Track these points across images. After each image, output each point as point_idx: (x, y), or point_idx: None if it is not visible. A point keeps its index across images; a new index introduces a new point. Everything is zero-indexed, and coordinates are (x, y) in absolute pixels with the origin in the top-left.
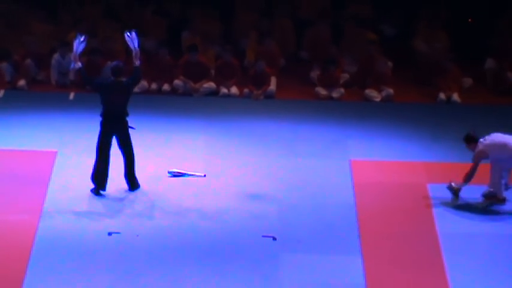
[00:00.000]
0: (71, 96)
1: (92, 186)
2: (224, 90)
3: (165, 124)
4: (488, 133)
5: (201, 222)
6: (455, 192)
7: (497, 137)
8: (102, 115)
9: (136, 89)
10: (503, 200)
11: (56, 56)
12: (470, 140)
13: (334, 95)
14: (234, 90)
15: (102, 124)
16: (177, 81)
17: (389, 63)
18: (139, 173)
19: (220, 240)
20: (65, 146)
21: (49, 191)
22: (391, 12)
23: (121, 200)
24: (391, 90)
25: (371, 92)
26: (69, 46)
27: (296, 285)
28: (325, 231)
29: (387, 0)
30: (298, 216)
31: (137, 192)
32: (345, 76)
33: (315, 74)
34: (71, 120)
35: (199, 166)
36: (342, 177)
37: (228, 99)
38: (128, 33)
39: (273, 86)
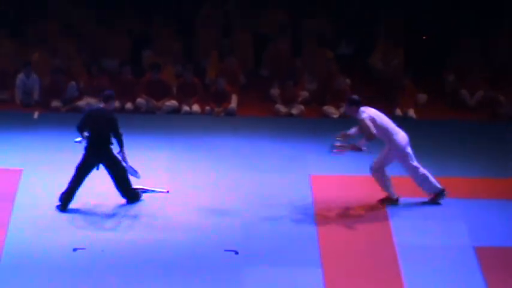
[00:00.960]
0: (35, 115)
1: (58, 203)
2: (186, 107)
3: (128, 141)
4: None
5: (165, 236)
6: (357, 149)
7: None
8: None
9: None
10: (397, 201)
11: (21, 76)
12: (354, 102)
13: (294, 111)
14: (196, 107)
15: (86, 149)
16: (139, 100)
17: (348, 81)
18: (101, 188)
19: (183, 254)
20: (30, 164)
21: (14, 208)
22: (348, 30)
23: (86, 216)
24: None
25: (329, 109)
26: (33, 66)
27: None
28: (287, 244)
29: (345, 18)
30: (260, 230)
31: (101, 208)
32: (305, 94)
33: (275, 91)
34: (36, 139)
35: (162, 182)
36: (302, 191)
37: (190, 117)
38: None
39: (233, 103)
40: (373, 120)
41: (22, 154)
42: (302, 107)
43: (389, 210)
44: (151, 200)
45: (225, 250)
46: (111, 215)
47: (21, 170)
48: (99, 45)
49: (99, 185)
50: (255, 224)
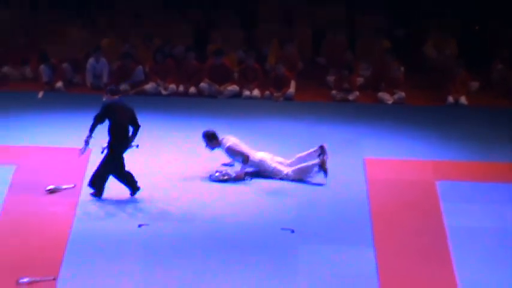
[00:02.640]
0: (105, 97)
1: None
2: (247, 92)
3: (191, 124)
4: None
5: (224, 214)
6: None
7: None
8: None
9: (164, 92)
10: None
11: (91, 60)
12: (212, 138)
13: (350, 97)
14: (256, 92)
15: (110, 142)
16: (202, 84)
17: (402, 68)
18: (171, 170)
19: (241, 232)
20: (99, 143)
21: (83, 185)
22: (403, 19)
23: (150, 195)
24: (403, 93)
25: (384, 95)
26: (102, 51)
27: (312, 274)
28: (340, 224)
29: (400, 9)
30: (315, 210)
31: (167, 188)
32: (360, 80)
33: (331, 78)
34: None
35: (223, 162)
36: (356, 174)
37: (250, 101)
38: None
39: (292, 88)
40: (237, 145)
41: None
42: (357, 93)
43: (440, 193)
44: (211, 182)
45: (282, 228)
46: (174, 195)
47: (90, 150)
48: (165, 32)
49: (165, 166)
50: (311, 204)
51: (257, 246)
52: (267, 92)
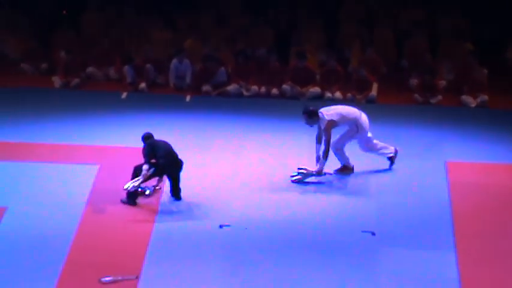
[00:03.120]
0: (188, 98)
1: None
2: (328, 94)
3: (273, 126)
4: None
5: (304, 216)
6: (305, 175)
7: (338, 108)
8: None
9: (246, 93)
10: (351, 169)
11: (174, 61)
12: (313, 114)
13: (432, 100)
14: (338, 94)
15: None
16: (285, 86)
17: (485, 72)
18: (252, 171)
19: (322, 234)
20: (180, 145)
21: (165, 184)
22: (486, 22)
23: (230, 196)
24: (486, 97)
25: (467, 98)
26: (185, 52)
27: (393, 278)
28: (421, 227)
29: (483, 11)
30: (396, 213)
31: (246, 189)
32: (443, 83)
33: (413, 81)
34: (188, 120)
35: (304, 163)
36: (438, 177)
37: (332, 103)
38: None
39: (374, 91)
40: (333, 125)
41: (174, 134)
42: (440, 96)
43: None
44: (292, 183)
45: (363, 231)
46: (253, 196)
47: None
48: (247, 34)
49: (246, 168)
50: (392, 207)
51: (338, 248)
52: (349, 94)
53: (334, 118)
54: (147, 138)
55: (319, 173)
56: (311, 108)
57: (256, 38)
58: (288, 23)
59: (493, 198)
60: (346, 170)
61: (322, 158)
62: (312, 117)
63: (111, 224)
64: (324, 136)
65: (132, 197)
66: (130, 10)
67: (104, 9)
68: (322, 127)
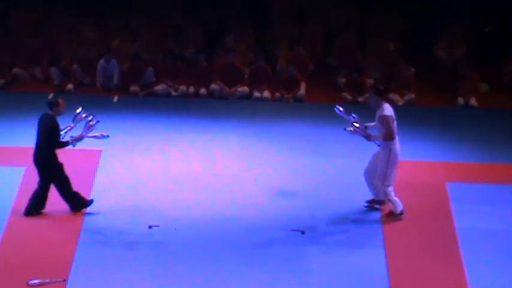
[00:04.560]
0: (115, 99)
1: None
2: (257, 94)
3: (201, 126)
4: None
5: (234, 216)
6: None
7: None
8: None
9: (175, 93)
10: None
11: (102, 62)
12: (378, 93)
13: (360, 99)
14: (266, 93)
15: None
16: (213, 86)
17: (412, 70)
18: (181, 171)
19: (252, 233)
20: (109, 146)
21: (94, 186)
22: (413, 20)
23: (159, 196)
24: (413, 95)
25: (394, 97)
26: (113, 52)
27: (323, 275)
28: (351, 225)
29: (410, 10)
30: (326, 212)
31: (174, 189)
32: (370, 81)
33: (341, 79)
34: (115, 121)
35: (232, 164)
36: (360, 175)
37: (260, 102)
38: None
39: (302, 90)
40: (394, 121)
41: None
42: (367, 94)
43: (450, 195)
44: (221, 180)
45: (292, 230)
46: (182, 196)
47: (100, 151)
48: (176, 34)
49: (174, 168)
50: (321, 206)
51: (267, 247)
52: (278, 94)
53: (394, 117)
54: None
55: (368, 137)
56: (380, 87)
57: (186, 37)
58: (219, 23)
59: (420, 194)
60: (374, 203)
61: (383, 138)
62: (376, 95)
63: (38, 227)
64: (382, 128)
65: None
66: (60, 9)
67: (32, 8)
68: (379, 118)
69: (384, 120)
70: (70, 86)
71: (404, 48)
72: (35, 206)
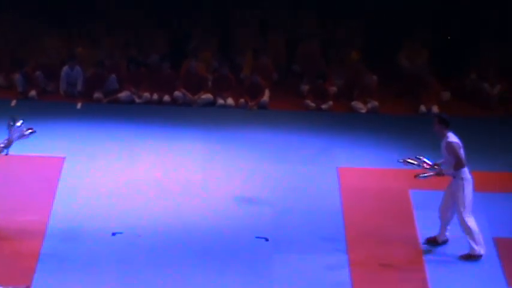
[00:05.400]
0: (79, 105)
1: None
2: (221, 101)
3: (165, 133)
4: (465, 142)
5: (198, 223)
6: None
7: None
8: None
9: (138, 100)
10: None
11: (65, 68)
12: (443, 123)
13: (323, 106)
14: (230, 101)
15: None
16: (177, 93)
17: (375, 77)
18: (146, 179)
19: (216, 240)
20: (72, 152)
21: (57, 193)
22: (376, 28)
23: (123, 203)
24: (376, 103)
25: (357, 104)
26: (77, 59)
27: (286, 282)
28: (315, 232)
29: (372, 19)
30: (289, 219)
31: (138, 196)
32: (333, 89)
33: (305, 87)
34: (79, 128)
35: (196, 172)
36: (329, 183)
37: (224, 110)
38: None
39: (266, 97)
40: (461, 148)
41: (65, 142)
42: (331, 102)
43: (413, 202)
44: (185, 188)
45: (256, 237)
46: (145, 203)
47: (63, 158)
48: (140, 41)
49: (140, 175)
50: (286, 213)
51: (231, 254)
52: (242, 100)
53: (460, 144)
54: None
55: (439, 173)
56: (445, 116)
57: (150, 44)
58: (183, 30)
59: (383, 202)
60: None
61: (453, 167)
62: (441, 124)
63: (1, 234)
64: (450, 157)
65: None
66: (23, 17)
67: None
68: (446, 147)
69: (451, 147)
70: (33, 93)
71: (368, 56)
72: None
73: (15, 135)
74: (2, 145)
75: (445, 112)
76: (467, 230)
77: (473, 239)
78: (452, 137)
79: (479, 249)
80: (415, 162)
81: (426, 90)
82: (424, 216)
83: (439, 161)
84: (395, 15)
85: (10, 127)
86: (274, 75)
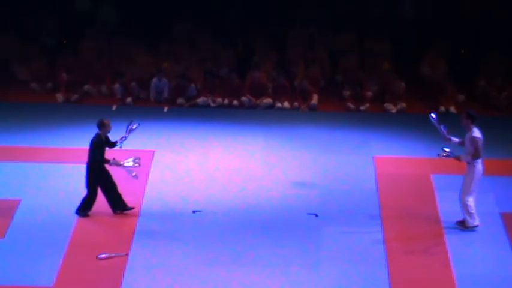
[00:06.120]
0: (165, 109)
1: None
2: (279, 104)
3: (234, 130)
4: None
5: (261, 203)
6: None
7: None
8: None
9: (213, 104)
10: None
11: (154, 80)
12: (471, 118)
13: (361, 108)
14: (286, 104)
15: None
16: (243, 98)
17: (403, 84)
18: (217, 166)
19: (275, 218)
20: (160, 147)
21: (149, 180)
22: (404, 42)
23: (201, 188)
24: (404, 104)
25: (389, 106)
26: (163, 72)
27: (333, 251)
28: (355, 210)
29: (400, 35)
30: (334, 199)
31: (212, 182)
32: (369, 94)
33: (346, 92)
34: (166, 127)
35: (258, 162)
36: (367, 169)
37: (281, 111)
38: (131, 126)
39: (315, 101)
40: (481, 143)
41: (155, 139)
42: (367, 104)
43: (435, 184)
44: (250, 174)
45: (308, 213)
46: (219, 187)
47: (153, 151)
48: (214, 56)
49: (208, 165)
50: (331, 194)
51: (288, 228)
52: (296, 104)
53: (482, 139)
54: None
55: (458, 158)
56: (472, 112)
57: (221, 59)
58: (247, 47)
59: (409, 184)
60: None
61: (472, 157)
62: (468, 119)
63: (103, 216)
64: (471, 148)
65: (84, 210)
66: (121, 38)
67: (98, 37)
68: (470, 139)
69: (474, 141)
70: (129, 100)
71: (397, 67)
72: (83, 208)
73: (127, 133)
74: (118, 142)
75: (459, 111)
76: (465, 207)
77: (469, 214)
78: (476, 132)
79: (473, 222)
80: (445, 154)
81: (444, 93)
82: (443, 194)
83: (454, 138)
84: (417, 31)
85: (128, 127)
86: (321, 83)
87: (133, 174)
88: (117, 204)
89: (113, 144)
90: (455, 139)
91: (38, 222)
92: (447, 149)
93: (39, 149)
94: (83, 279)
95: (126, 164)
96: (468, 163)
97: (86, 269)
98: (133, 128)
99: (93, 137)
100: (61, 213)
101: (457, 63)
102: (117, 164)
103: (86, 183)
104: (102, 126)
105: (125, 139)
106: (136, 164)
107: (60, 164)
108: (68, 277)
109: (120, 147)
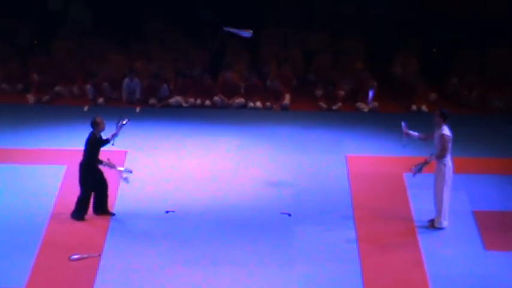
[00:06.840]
0: (137, 109)
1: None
2: (251, 104)
3: (207, 130)
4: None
5: (234, 202)
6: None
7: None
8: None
9: (185, 104)
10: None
11: (126, 80)
12: (444, 117)
13: (334, 107)
14: (258, 103)
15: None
16: (216, 98)
17: (375, 83)
18: (190, 165)
19: (248, 216)
20: (132, 147)
21: (122, 180)
22: (376, 42)
23: (174, 187)
24: (376, 103)
25: (361, 105)
26: (135, 72)
27: (305, 250)
28: (328, 209)
29: (373, 34)
30: (307, 198)
31: (186, 182)
32: (342, 93)
33: (318, 92)
34: (138, 127)
35: (232, 161)
36: (340, 168)
37: (254, 111)
38: (122, 122)
39: (287, 100)
40: (450, 141)
41: (127, 139)
42: (340, 103)
43: (407, 182)
44: (223, 174)
45: (281, 213)
46: (192, 187)
47: (126, 152)
48: (186, 57)
49: (185, 166)
50: (304, 193)
51: (262, 227)
52: (268, 103)
53: (451, 138)
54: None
55: (427, 162)
56: (445, 111)
57: (194, 59)
58: (219, 47)
59: (381, 183)
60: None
61: (435, 156)
62: (440, 117)
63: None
64: (439, 146)
65: (79, 212)
66: (92, 38)
67: (69, 37)
68: (439, 137)
69: (443, 139)
70: (101, 100)
71: (369, 66)
72: (78, 210)
73: (119, 129)
74: (110, 139)
75: (431, 110)
76: (438, 205)
77: (440, 213)
78: (446, 130)
79: (442, 223)
80: (416, 170)
81: (416, 92)
82: (416, 192)
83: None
84: (389, 30)
85: (117, 124)
86: (294, 82)
87: (124, 176)
88: (99, 206)
89: (106, 142)
90: (415, 133)
91: (9, 224)
92: (414, 167)
93: (10, 150)
94: (55, 280)
95: (118, 168)
96: (437, 161)
97: (58, 270)
98: (124, 123)
99: (88, 136)
100: (33, 214)
101: (428, 62)
102: (110, 166)
103: (80, 183)
104: (96, 124)
105: (116, 136)
106: (129, 170)
107: (31, 165)
108: (40, 278)
109: (113, 144)
